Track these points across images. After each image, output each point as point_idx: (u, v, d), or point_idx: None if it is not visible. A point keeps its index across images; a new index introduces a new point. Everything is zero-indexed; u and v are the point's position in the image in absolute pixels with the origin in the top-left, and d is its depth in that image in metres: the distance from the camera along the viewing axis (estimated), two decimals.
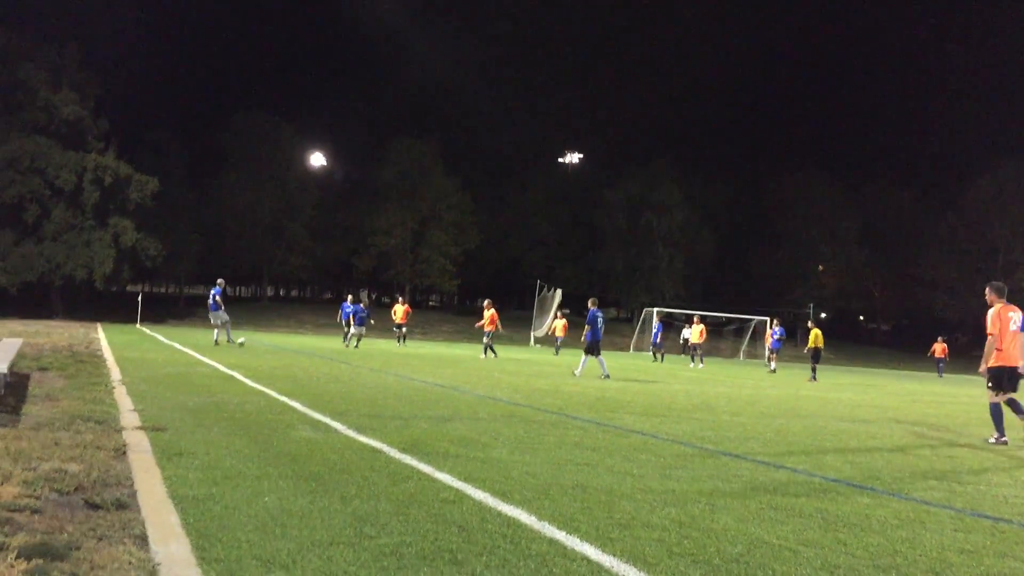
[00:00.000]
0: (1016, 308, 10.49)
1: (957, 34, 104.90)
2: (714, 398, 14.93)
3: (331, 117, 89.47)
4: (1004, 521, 5.33)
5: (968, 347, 77.91)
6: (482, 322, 27.27)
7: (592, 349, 19.29)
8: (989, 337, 10.36)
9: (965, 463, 8.10)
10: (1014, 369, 10.28)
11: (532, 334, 49.51)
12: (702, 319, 35.40)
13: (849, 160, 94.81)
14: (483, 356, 26.31)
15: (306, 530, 4.09)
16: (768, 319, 53.38)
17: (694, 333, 34.24)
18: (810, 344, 26.67)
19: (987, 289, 10.69)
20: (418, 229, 65.40)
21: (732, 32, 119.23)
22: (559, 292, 49.29)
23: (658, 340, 37.12)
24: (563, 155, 76.28)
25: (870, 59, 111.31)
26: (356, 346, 28.33)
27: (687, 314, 42.60)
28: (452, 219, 65.50)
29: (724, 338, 58.57)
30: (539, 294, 50.03)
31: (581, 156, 74.99)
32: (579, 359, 20.05)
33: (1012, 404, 10.28)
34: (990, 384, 10.34)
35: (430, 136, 67.53)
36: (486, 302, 28.19)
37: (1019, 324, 10.34)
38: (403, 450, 6.59)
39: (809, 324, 27.66)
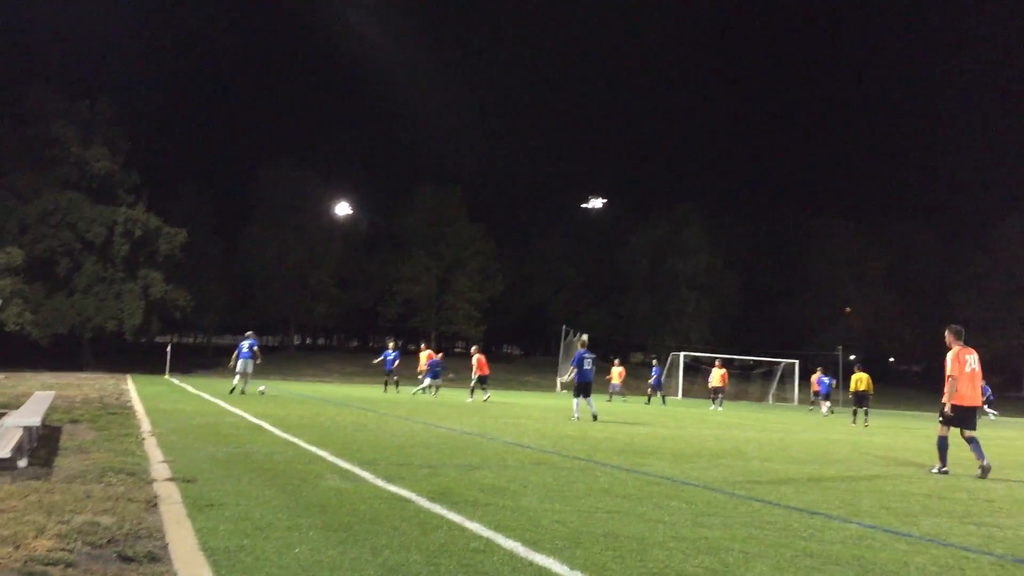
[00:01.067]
0: (972, 350, 11.27)
1: (984, 74, 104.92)
2: (744, 443, 14.76)
3: (356, 166, 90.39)
4: None
5: (999, 388, 76.79)
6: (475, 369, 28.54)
7: (579, 391, 19.43)
8: (949, 379, 11.03)
9: (1003, 506, 7.94)
10: (973, 408, 11.21)
11: (558, 380, 49.30)
12: (724, 363, 35.93)
13: (875, 201, 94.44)
14: (481, 398, 27.50)
15: None
16: (796, 362, 53.00)
17: (714, 377, 34.68)
18: (852, 388, 26.78)
19: (946, 332, 11.43)
20: (443, 276, 65.59)
21: (754, 76, 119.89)
22: (585, 337, 48.94)
23: (659, 382, 37.19)
24: (586, 200, 76.62)
25: (896, 100, 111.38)
26: (435, 395, 29.44)
27: (712, 358, 42.33)
28: (477, 265, 65.68)
29: (752, 382, 58.03)
30: (565, 339, 49.89)
31: (604, 200, 75.29)
32: (643, 406, 19.97)
33: (972, 444, 11.09)
34: (942, 420, 11.20)
35: (454, 183, 68.16)
36: (473, 348, 30.04)
37: (974, 366, 11.17)
38: (432, 499, 6.57)
39: (856, 368, 27.57)
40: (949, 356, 11.14)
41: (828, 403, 34.62)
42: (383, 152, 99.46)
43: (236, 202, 66.23)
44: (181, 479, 7.01)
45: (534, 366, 63.17)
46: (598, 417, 18.98)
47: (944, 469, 10.96)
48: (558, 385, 49.02)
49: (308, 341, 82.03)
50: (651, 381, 37.22)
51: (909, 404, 57.82)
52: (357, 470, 8.09)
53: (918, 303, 71.98)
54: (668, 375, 53.18)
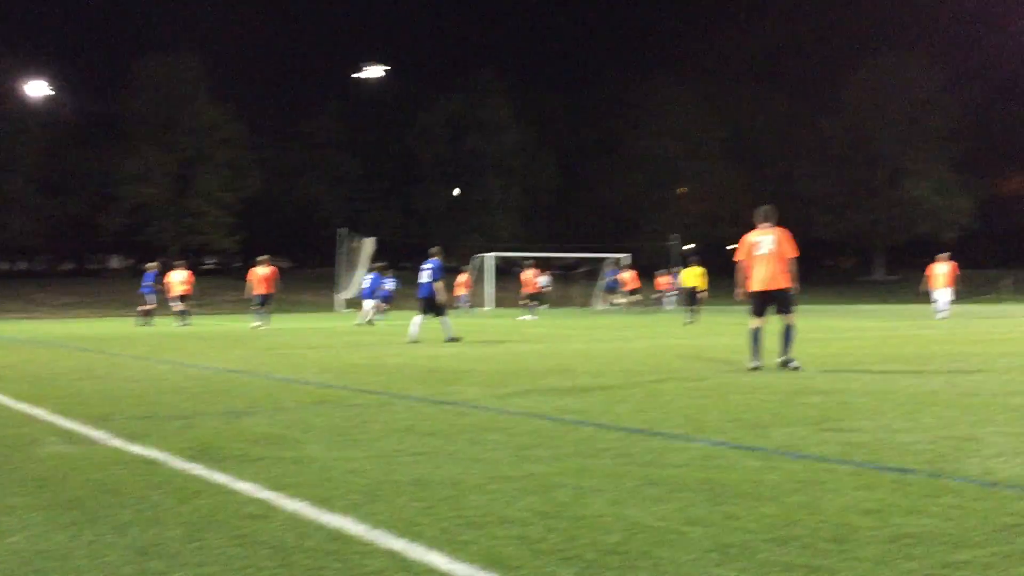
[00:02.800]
0: (772, 230, 12.58)
1: None
2: (570, 357, 15.31)
3: (54, 33, 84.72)
4: (909, 472, 5.75)
5: (853, 271, 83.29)
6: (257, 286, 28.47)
7: (420, 307, 20.27)
8: (737, 264, 12.88)
9: (861, 408, 8.67)
10: (773, 292, 12.59)
11: (339, 296, 49.10)
12: (540, 263, 37.17)
13: (709, 60, 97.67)
14: (264, 326, 27.40)
15: (71, 573, 3.94)
16: (627, 257, 55.07)
17: (525, 281, 35.70)
18: (684, 283, 28.65)
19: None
20: (182, 173, 63.46)
21: None
22: (370, 241, 49.05)
23: (383, 293, 33.52)
24: (362, 69, 75.22)
25: None
26: (370, 322, 29.86)
27: (526, 258, 43.57)
28: (226, 158, 63.84)
29: (575, 283, 59.97)
30: (343, 245, 49.56)
31: (386, 69, 74.25)
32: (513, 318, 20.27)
33: (785, 333, 12.60)
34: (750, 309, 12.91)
35: (190, 52, 65.27)
36: (263, 258, 29.37)
37: (771, 247, 12.53)
38: (190, 458, 6.45)
39: (689, 262, 29.34)
40: (742, 239, 12.94)
41: (613, 298, 42.45)
42: (93, 13, 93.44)
43: None
44: None
45: (308, 281, 62.49)
46: (457, 340, 19.60)
47: (753, 364, 12.47)
48: (339, 303, 48.84)
49: (4, 267, 77.51)
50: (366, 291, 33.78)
51: None
52: (87, 430, 7.81)
53: (760, 177, 76.11)
54: (476, 281, 54.06)
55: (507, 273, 54.26)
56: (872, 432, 7.29)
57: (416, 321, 20.07)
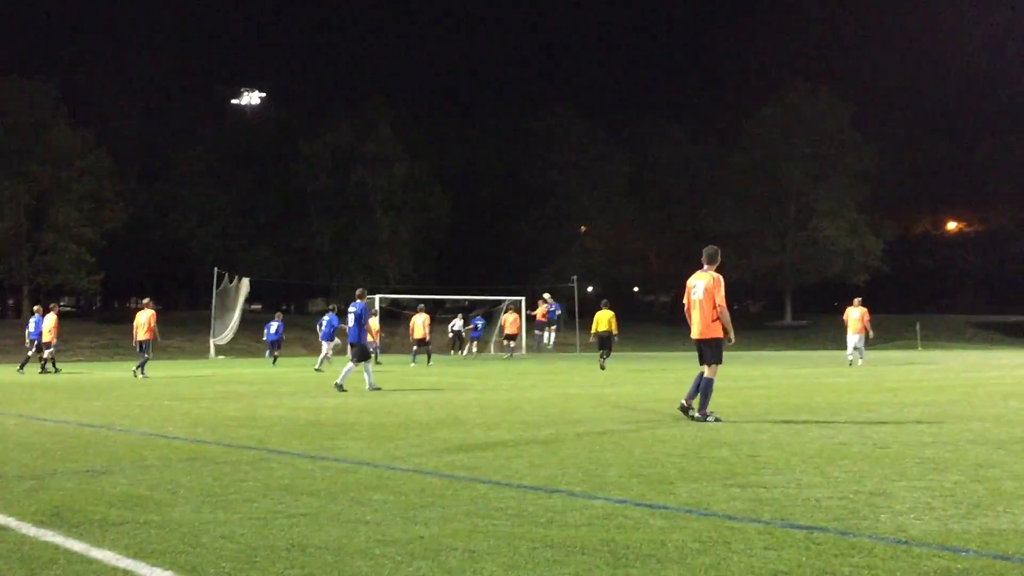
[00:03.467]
0: (705, 274, 12.84)
1: None
2: (462, 408, 15.28)
3: None
4: (819, 530, 5.86)
5: (762, 316, 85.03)
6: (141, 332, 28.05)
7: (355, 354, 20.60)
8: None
9: (769, 461, 8.82)
10: (698, 341, 12.93)
11: (212, 342, 48.35)
12: (430, 306, 37.71)
13: (613, 93, 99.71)
14: (142, 375, 26.84)
15: None
16: (523, 299, 55.35)
17: (416, 326, 35.98)
18: (592, 329, 29.32)
19: None
20: (37, 206, 62.01)
21: None
22: (246, 282, 48.57)
23: (276, 338, 38.82)
24: (239, 95, 74.67)
25: None
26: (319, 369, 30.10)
27: (415, 300, 43.70)
28: (86, 190, 62.59)
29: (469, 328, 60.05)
30: (218, 286, 48.90)
31: (264, 95, 73.92)
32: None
33: (703, 386, 12.60)
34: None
35: (47, 75, 64.13)
36: (145, 301, 29.82)
37: (699, 295, 12.85)
38: (41, 523, 6.26)
39: (602, 305, 29.93)
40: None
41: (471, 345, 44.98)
42: None
43: None
44: None
45: (177, 325, 61.36)
46: (344, 390, 19.58)
47: (682, 403, 12.84)
48: (211, 349, 48.08)
49: None
50: (268, 337, 39.15)
51: (657, 343, 62.47)
52: None
53: (666, 216, 77.40)
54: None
55: (397, 317, 53.96)
56: (781, 487, 7.42)
57: (367, 370, 20.43)
